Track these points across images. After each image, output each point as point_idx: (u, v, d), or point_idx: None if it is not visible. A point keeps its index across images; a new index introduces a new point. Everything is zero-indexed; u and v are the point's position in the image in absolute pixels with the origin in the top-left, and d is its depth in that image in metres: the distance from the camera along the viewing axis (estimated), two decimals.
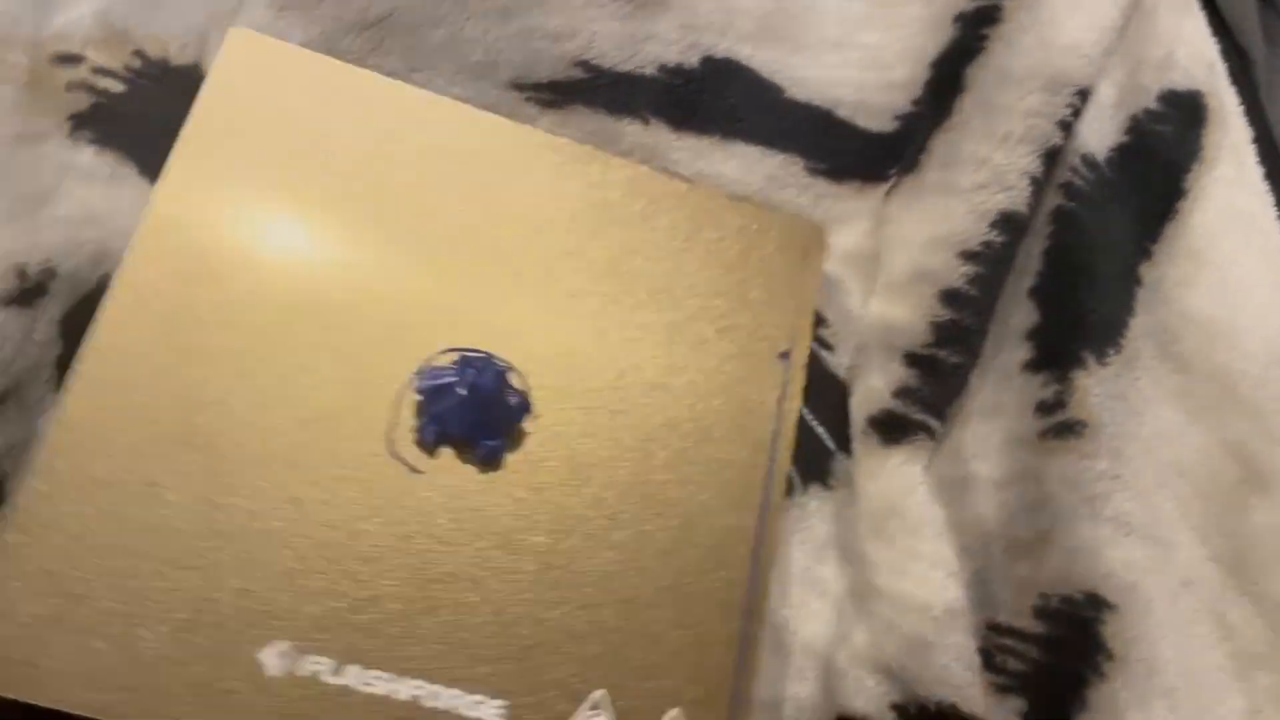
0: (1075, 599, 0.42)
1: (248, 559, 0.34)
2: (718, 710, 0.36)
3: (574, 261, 0.42)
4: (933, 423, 0.46)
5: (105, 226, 0.41)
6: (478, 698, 0.35)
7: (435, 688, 0.34)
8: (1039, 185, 0.47)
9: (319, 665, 0.33)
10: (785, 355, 0.44)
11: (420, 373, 0.38)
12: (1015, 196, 0.47)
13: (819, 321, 0.53)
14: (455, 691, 0.34)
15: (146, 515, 0.34)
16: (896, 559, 0.43)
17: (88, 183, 0.41)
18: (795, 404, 0.44)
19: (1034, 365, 0.48)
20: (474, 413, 0.37)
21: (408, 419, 0.37)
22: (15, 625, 0.31)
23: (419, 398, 0.38)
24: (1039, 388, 0.47)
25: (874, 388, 0.47)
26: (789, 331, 0.44)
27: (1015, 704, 0.42)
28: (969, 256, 0.47)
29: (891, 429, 0.46)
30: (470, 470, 0.37)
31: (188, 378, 0.36)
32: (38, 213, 0.40)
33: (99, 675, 0.31)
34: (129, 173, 0.42)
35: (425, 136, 0.42)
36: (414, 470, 0.36)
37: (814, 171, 0.52)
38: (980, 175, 0.47)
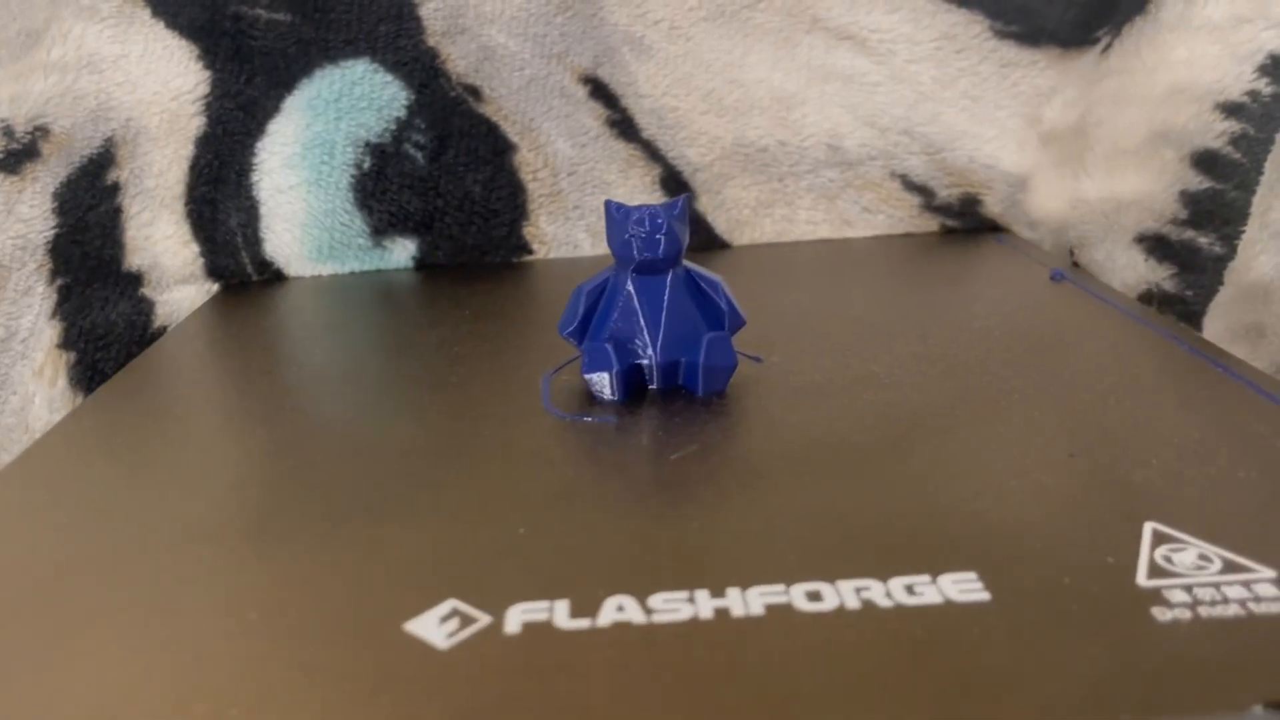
0: None
1: None
2: None
3: None
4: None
5: (108, 76, 0.32)
6: None
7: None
8: None
9: None
10: (1059, 274, 0.36)
11: None
12: None
13: (999, 231, 0.42)
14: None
15: None
16: None
17: (88, 19, 0.33)
18: None
19: None
20: None
21: None
22: None
23: None
24: None
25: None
26: None
27: None
28: (1230, 110, 0.35)
29: None
30: None
31: None
32: (25, 56, 0.32)
33: None
34: (140, 12, 0.34)
35: None
36: None
37: (1001, 34, 0.41)
38: (1240, 6, 0.36)
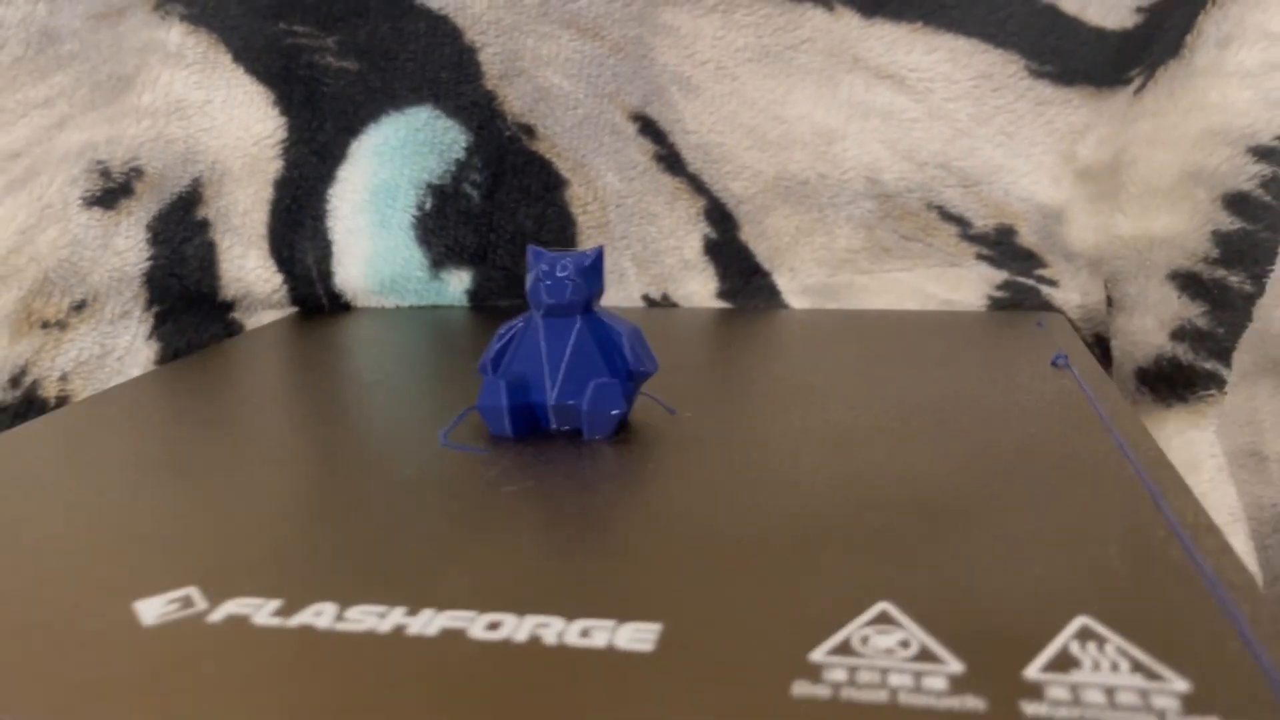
0: None
1: None
2: None
3: None
4: (1224, 371, 0.36)
5: (194, 121, 0.35)
6: None
7: None
8: None
9: None
10: (1061, 359, 0.35)
11: None
12: None
13: (1034, 260, 0.43)
14: None
15: None
16: None
17: (175, 66, 0.36)
18: None
19: None
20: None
21: None
22: None
23: None
24: None
25: (1142, 328, 0.38)
26: None
27: None
28: (1261, 154, 0.36)
29: (1171, 382, 0.37)
30: None
31: None
32: (117, 100, 0.35)
33: None
34: (222, 57, 0.37)
35: None
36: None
37: (1036, 74, 0.42)
38: (1273, 53, 0.37)
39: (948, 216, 0.43)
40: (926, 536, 0.20)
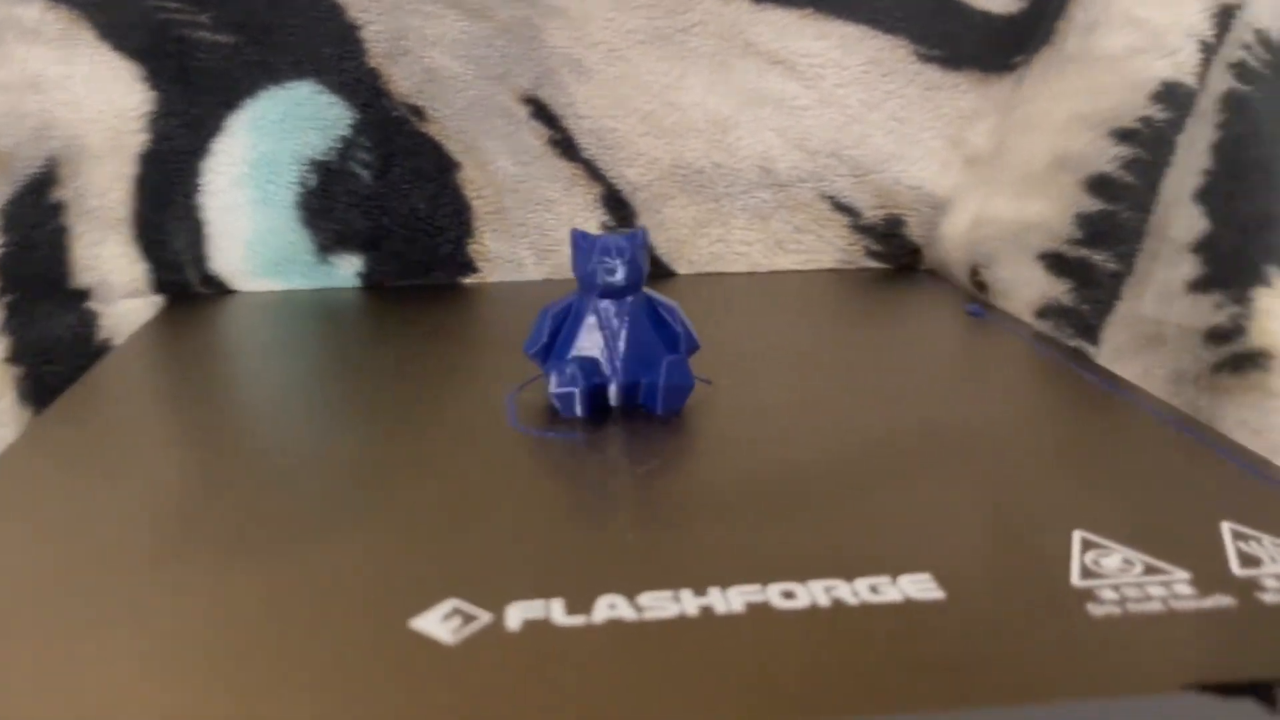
0: None
1: None
2: None
3: None
4: (1090, 349, 0.37)
5: (51, 95, 0.33)
6: None
7: None
8: (1209, 53, 0.38)
9: None
10: (976, 310, 0.38)
11: None
12: (1180, 63, 0.37)
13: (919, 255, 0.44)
14: None
15: None
16: None
17: (31, 41, 0.33)
18: None
19: (1203, 283, 0.38)
20: None
21: None
22: None
23: None
24: (1210, 310, 0.38)
25: (1015, 311, 0.38)
26: None
27: None
28: (1123, 136, 0.37)
29: None
30: None
31: None
32: None
33: None
34: (85, 34, 0.34)
35: None
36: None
37: (925, 58, 0.43)
38: (1135, 37, 0.38)
39: (839, 207, 0.44)
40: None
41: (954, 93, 0.43)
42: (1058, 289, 0.37)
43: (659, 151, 0.42)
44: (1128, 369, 0.38)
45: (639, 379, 0.27)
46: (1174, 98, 0.37)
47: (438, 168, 0.39)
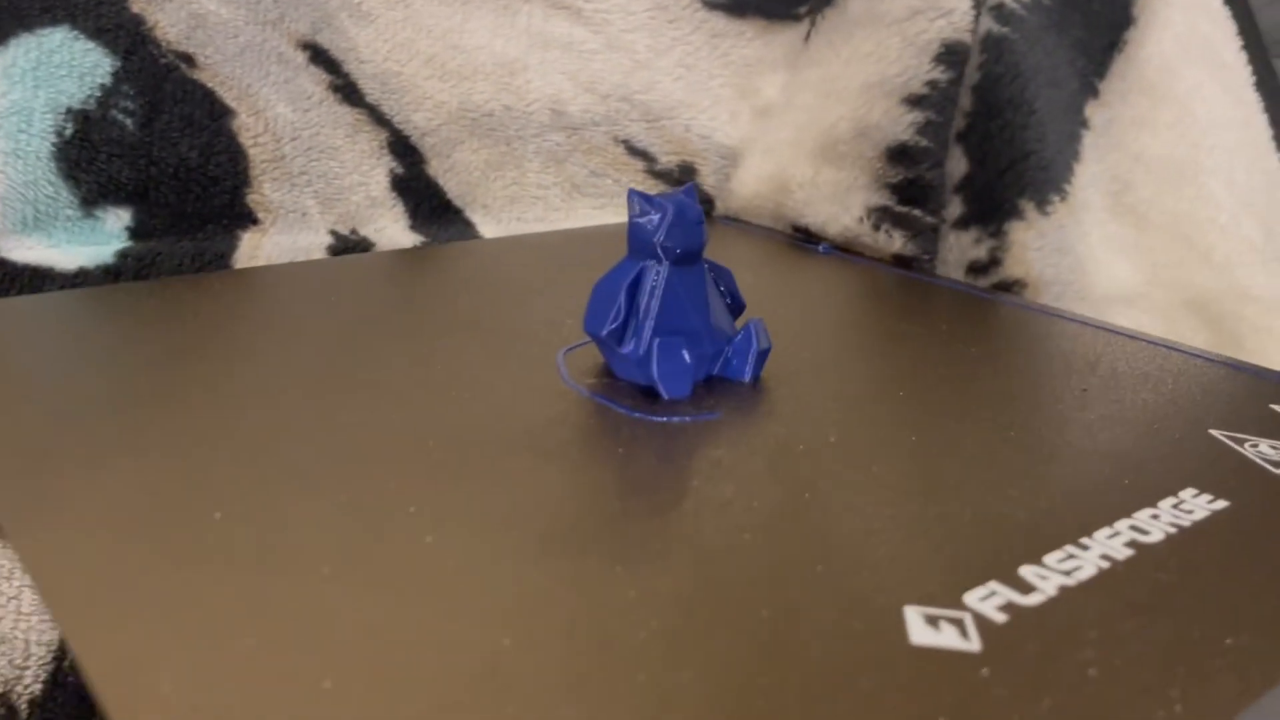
0: None
1: None
2: None
3: None
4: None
5: None
6: None
7: None
8: (979, 6, 0.40)
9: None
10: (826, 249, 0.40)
11: None
12: (957, 21, 0.39)
13: (710, 204, 0.45)
14: None
15: None
16: None
17: None
18: None
19: (964, 221, 0.40)
20: None
21: None
22: None
23: None
24: (970, 245, 0.40)
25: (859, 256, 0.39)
26: None
27: None
28: (914, 101, 0.38)
29: None
30: None
31: None
32: None
33: None
34: None
35: None
36: None
37: (710, 6, 0.44)
38: None
39: (634, 151, 0.44)
40: None
41: (739, 40, 0.44)
42: (895, 244, 0.38)
43: (445, 95, 0.41)
44: None
45: (721, 347, 0.26)
46: (954, 57, 0.39)
47: (209, 115, 0.38)
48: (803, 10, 0.45)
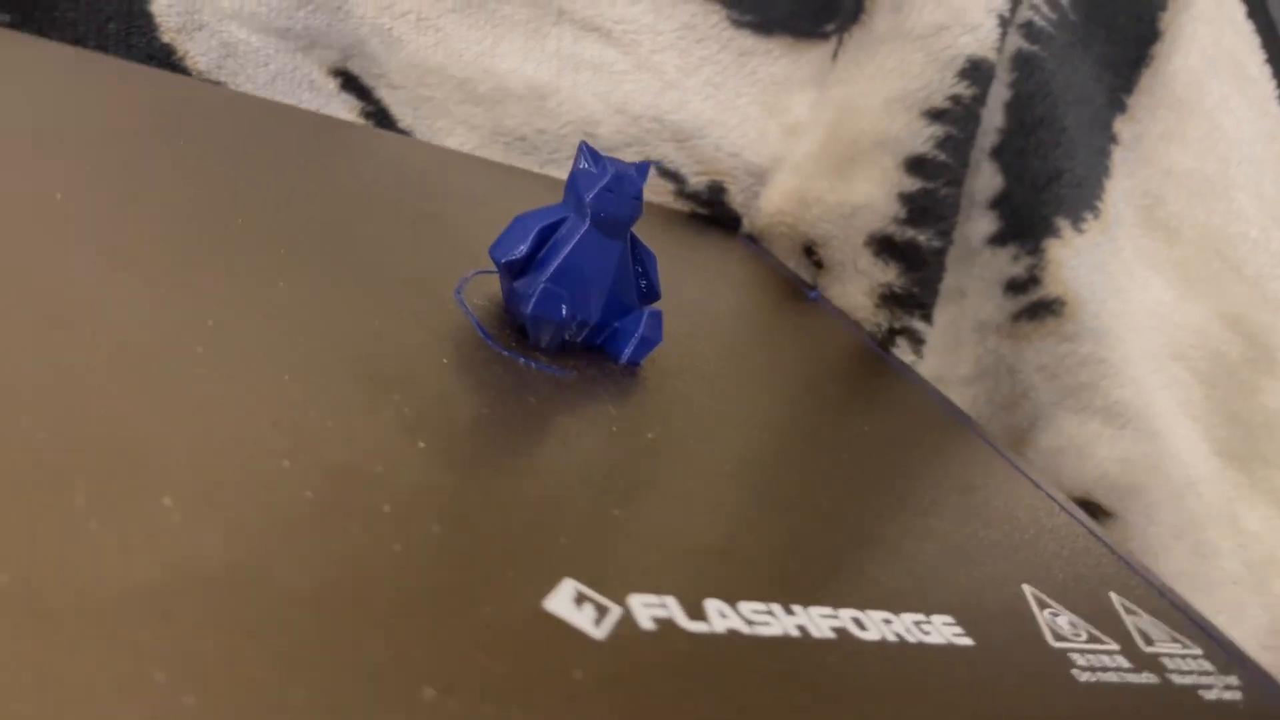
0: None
1: None
2: None
3: None
4: (920, 327, 0.38)
5: None
6: None
7: None
8: (1005, 24, 0.40)
9: None
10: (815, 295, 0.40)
11: None
12: (982, 38, 0.39)
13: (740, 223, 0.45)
14: None
15: None
16: None
17: None
18: None
19: (1000, 238, 0.40)
20: None
21: None
22: None
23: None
24: (1007, 263, 0.40)
25: (854, 294, 0.39)
26: None
27: None
28: (935, 115, 0.38)
29: (884, 347, 0.39)
30: None
31: None
32: None
33: None
34: None
35: None
36: None
37: (738, 24, 0.44)
38: (939, 14, 0.39)
39: (664, 173, 0.44)
40: None
41: (766, 58, 0.44)
42: (889, 275, 0.38)
43: (478, 119, 0.41)
44: (936, 323, 0.40)
45: (610, 323, 0.25)
46: (978, 73, 0.39)
47: None
48: (830, 28, 0.45)
